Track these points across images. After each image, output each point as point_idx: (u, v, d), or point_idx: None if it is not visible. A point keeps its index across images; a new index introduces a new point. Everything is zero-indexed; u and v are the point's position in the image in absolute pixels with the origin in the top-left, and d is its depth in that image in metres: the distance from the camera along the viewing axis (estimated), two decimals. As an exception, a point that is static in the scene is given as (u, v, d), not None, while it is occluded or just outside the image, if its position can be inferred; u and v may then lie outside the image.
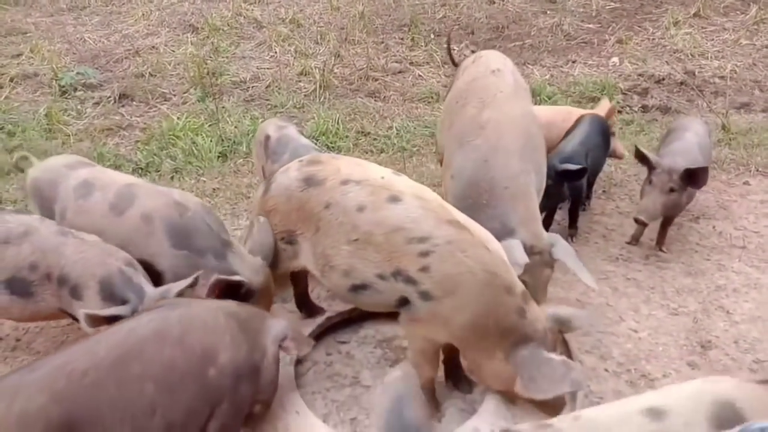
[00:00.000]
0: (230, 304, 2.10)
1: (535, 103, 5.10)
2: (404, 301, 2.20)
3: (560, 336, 2.43)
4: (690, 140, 3.51)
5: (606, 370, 2.69)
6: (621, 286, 3.23)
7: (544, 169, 2.91)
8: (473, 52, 5.94)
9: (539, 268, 2.50)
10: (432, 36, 6.29)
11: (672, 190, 3.20)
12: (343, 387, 2.55)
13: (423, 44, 6.19)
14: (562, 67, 5.92)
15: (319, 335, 2.73)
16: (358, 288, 2.27)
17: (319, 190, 2.32)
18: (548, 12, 6.79)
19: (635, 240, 3.53)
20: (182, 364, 1.78)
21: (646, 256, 3.45)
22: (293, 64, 5.97)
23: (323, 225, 2.29)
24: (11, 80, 5.56)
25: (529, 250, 2.44)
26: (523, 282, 2.24)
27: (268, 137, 3.29)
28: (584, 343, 2.79)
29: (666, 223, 3.45)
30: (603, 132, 3.68)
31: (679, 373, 2.73)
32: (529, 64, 5.93)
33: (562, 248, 2.55)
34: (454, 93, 3.23)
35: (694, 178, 3.18)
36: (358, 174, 2.31)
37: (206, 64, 5.70)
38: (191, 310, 1.94)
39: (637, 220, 3.28)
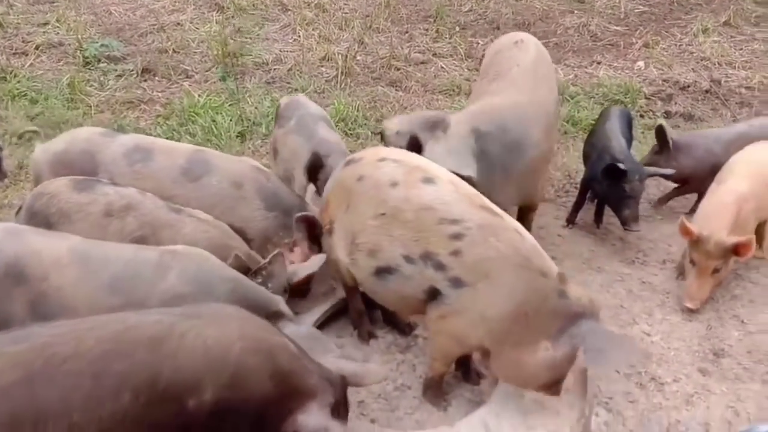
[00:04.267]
0: (265, 341, 1.68)
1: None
2: (434, 294, 2.13)
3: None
4: None
5: (617, 372, 2.67)
6: (636, 289, 3.20)
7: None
8: (498, 48, 5.92)
9: None
10: (457, 29, 6.25)
11: None
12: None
13: (447, 36, 6.14)
14: (586, 67, 5.86)
15: (332, 316, 2.73)
16: (382, 272, 2.21)
17: (356, 166, 2.37)
18: (576, 11, 6.71)
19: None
20: (164, 383, 1.54)
21: (663, 261, 3.42)
22: (316, 49, 5.94)
23: (353, 199, 2.30)
24: (37, 48, 5.58)
25: None
26: None
27: (279, 105, 3.34)
28: None
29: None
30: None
31: (689, 379, 2.71)
32: (553, 62, 5.86)
33: None
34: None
35: None
36: (397, 155, 2.35)
37: (229, 43, 5.69)
38: (205, 330, 1.62)
39: None
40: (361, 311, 2.66)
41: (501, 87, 2.91)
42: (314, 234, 2.55)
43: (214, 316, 1.67)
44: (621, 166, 3.22)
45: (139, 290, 1.92)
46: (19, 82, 5.04)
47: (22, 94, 4.93)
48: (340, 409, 1.75)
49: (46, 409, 1.43)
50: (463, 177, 2.37)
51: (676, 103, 5.31)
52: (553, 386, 2.19)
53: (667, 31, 6.34)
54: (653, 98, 5.38)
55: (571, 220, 3.65)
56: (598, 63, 5.90)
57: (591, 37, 6.28)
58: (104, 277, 1.92)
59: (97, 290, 1.89)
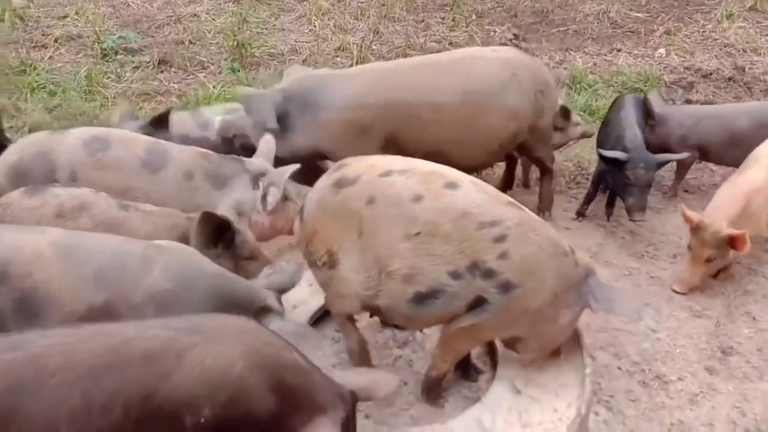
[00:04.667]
0: (271, 357, 1.58)
1: (575, 91, 4.99)
2: (478, 303, 2.03)
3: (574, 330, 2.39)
4: None
5: (619, 369, 2.64)
6: (644, 284, 3.15)
7: None
8: (515, 36, 5.84)
9: None
10: (474, 17, 6.17)
11: None
12: (349, 364, 2.56)
13: (464, 25, 6.07)
14: (605, 55, 5.74)
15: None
16: (424, 297, 2.02)
17: (356, 187, 2.07)
18: (596, -2, 6.58)
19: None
20: (159, 400, 1.44)
21: (674, 255, 3.35)
22: (331, 39, 5.93)
23: (368, 224, 2.03)
24: (56, 41, 5.67)
25: None
26: None
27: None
28: (599, 340, 2.74)
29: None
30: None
31: (695, 377, 2.67)
32: (571, 50, 5.76)
33: None
34: None
35: None
36: (399, 164, 2.11)
37: (243, 34, 5.70)
38: (205, 347, 1.51)
39: None
40: (364, 344, 2.45)
41: None
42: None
43: (217, 332, 1.57)
44: (616, 154, 3.25)
45: (124, 284, 1.89)
46: (38, 74, 5.13)
47: (41, 86, 5.03)
48: (350, 425, 1.69)
49: (31, 420, 1.38)
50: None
51: (697, 92, 5.18)
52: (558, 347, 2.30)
53: (690, 18, 6.16)
54: (674, 86, 5.25)
55: (581, 213, 3.61)
56: (618, 51, 5.77)
57: (611, 24, 6.14)
58: (89, 270, 1.89)
59: (82, 283, 1.87)
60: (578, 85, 5.10)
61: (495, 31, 5.99)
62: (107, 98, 5.03)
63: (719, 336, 2.86)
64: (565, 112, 3.52)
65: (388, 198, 2.01)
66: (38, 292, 1.85)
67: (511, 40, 5.74)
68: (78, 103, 4.87)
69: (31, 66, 5.22)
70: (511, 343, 2.27)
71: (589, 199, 3.62)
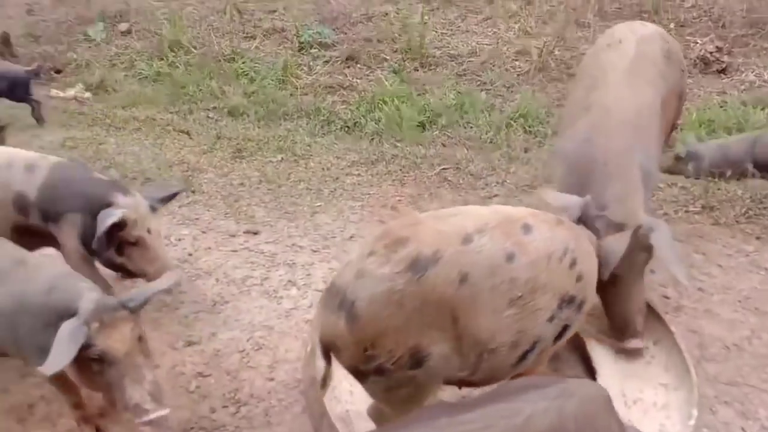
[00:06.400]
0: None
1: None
2: (563, 332, 1.97)
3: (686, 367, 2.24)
4: None
5: (743, 430, 2.29)
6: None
7: (654, 152, 2.62)
8: (718, 48, 5.29)
9: (633, 250, 2.23)
10: (672, 26, 5.68)
11: None
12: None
13: (660, 34, 5.63)
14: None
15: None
16: (526, 353, 1.89)
17: (440, 266, 1.68)
18: (831, 8, 5.70)
19: None
20: None
21: None
22: (514, 42, 5.87)
23: (464, 307, 1.72)
24: (263, 33, 6.32)
25: (615, 228, 2.22)
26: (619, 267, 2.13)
27: None
28: (725, 393, 2.38)
29: None
30: None
31: None
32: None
33: (661, 234, 2.24)
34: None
35: None
36: (470, 223, 1.79)
37: (421, 34, 5.84)
38: (586, 405, 1.49)
39: None
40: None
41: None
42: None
43: (582, 391, 1.54)
44: None
45: None
46: (243, 62, 5.78)
47: (244, 73, 5.66)
48: None
49: None
50: None
51: None
52: None
53: None
54: None
55: None
56: None
57: None
58: None
59: None
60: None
61: (696, 42, 5.48)
62: (297, 88, 5.52)
63: None
64: None
65: (482, 268, 1.72)
66: None
67: (712, 53, 5.21)
68: (272, 90, 5.39)
69: (239, 54, 5.88)
70: None
71: None
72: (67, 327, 1.68)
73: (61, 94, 5.33)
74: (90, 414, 2.09)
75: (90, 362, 1.72)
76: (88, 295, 1.77)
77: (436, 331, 1.71)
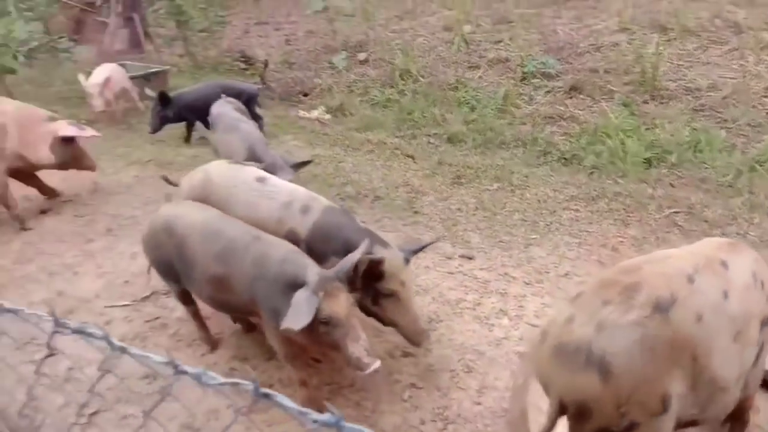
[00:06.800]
0: None
1: None
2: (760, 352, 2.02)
3: None
4: None
5: None
6: None
7: None
8: None
9: None
10: None
11: None
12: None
13: None
14: None
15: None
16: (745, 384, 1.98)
17: (678, 308, 1.68)
18: None
19: None
20: None
21: None
22: (764, 77, 5.30)
23: (702, 345, 1.72)
24: (488, 63, 6.50)
25: None
26: None
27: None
28: None
29: None
30: None
31: None
32: None
33: None
34: None
35: None
36: (686, 265, 1.80)
37: (655, 65, 5.54)
38: None
39: None
40: None
41: None
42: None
43: None
44: None
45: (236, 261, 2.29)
46: (466, 91, 6.00)
47: (466, 102, 5.87)
48: None
49: None
50: None
51: None
52: None
53: None
54: None
55: None
56: None
57: None
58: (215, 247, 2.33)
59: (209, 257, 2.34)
60: None
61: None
62: (515, 117, 5.57)
63: None
64: None
65: (710, 307, 1.75)
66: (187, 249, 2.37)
67: None
68: (491, 119, 5.52)
69: (462, 83, 6.12)
70: None
71: None
72: (301, 295, 2.02)
73: (307, 115, 6.04)
74: (313, 396, 2.36)
75: (318, 324, 2.01)
76: (312, 269, 2.10)
77: (679, 371, 1.71)
